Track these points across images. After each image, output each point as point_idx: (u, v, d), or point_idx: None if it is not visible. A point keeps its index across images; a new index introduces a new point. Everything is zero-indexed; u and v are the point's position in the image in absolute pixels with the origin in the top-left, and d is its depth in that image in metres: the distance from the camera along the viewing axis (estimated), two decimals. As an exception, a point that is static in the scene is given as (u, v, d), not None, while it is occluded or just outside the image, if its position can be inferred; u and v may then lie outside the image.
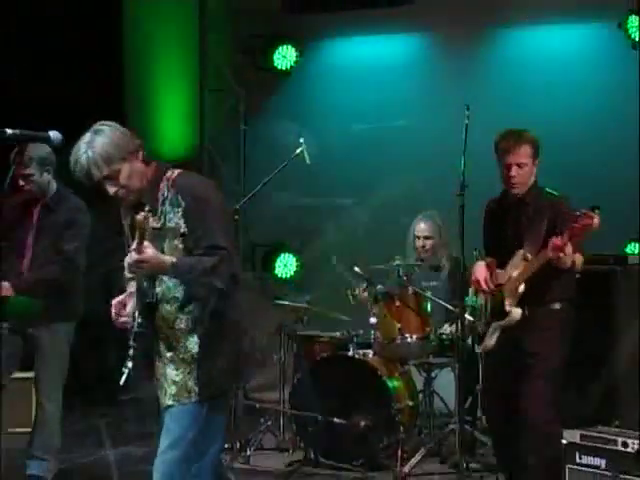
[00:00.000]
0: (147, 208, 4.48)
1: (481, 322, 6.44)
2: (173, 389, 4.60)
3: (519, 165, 6.11)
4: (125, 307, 4.59)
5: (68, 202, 6.79)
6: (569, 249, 5.77)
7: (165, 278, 4.55)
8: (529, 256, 6.07)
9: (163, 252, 4.53)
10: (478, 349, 6.60)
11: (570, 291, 6.16)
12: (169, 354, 4.61)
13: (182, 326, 4.58)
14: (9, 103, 8.75)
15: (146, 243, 4.40)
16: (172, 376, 4.61)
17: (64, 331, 6.78)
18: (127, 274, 4.57)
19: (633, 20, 8.39)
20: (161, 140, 10.06)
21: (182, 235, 4.52)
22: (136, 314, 4.55)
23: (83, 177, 4.41)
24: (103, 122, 4.54)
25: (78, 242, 6.70)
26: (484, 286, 6.26)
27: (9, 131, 4.26)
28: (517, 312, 6.09)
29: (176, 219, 4.52)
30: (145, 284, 4.57)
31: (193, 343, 4.57)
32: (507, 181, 6.19)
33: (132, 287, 4.61)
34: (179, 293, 4.56)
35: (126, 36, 10.11)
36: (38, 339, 6.77)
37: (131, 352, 4.56)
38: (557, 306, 6.16)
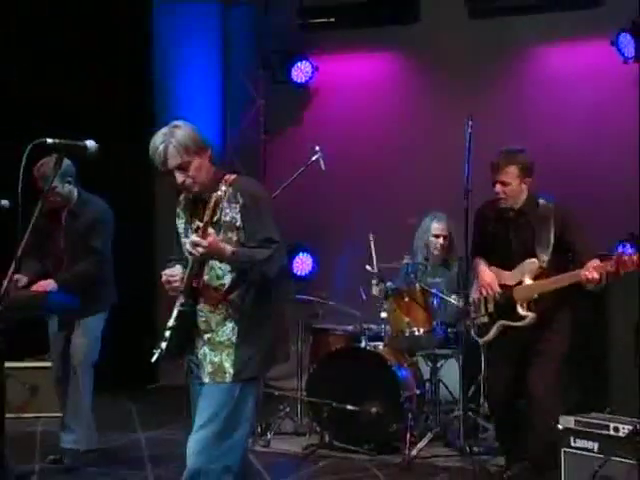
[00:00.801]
0: (212, 198, 4.55)
1: (481, 314, 6.46)
2: (209, 368, 4.63)
3: (503, 183, 6.15)
4: (175, 276, 4.61)
5: (90, 205, 6.93)
6: (595, 276, 5.83)
7: (216, 264, 4.60)
8: (544, 265, 6.11)
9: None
10: (477, 339, 6.62)
11: (576, 292, 6.16)
12: (207, 335, 4.64)
13: (223, 312, 4.62)
14: (52, 110, 8.86)
15: (210, 229, 4.47)
16: (210, 356, 4.64)
17: (97, 320, 6.90)
18: (187, 253, 4.59)
19: (624, 38, 8.38)
20: None
21: (237, 229, 4.59)
22: (181, 295, 4.59)
23: (160, 164, 4.53)
24: (176, 122, 4.66)
25: (104, 238, 6.83)
26: (495, 289, 6.29)
27: (49, 140, 4.31)
28: (532, 317, 6.12)
29: (233, 214, 4.60)
30: (195, 268, 4.59)
31: (230, 328, 4.61)
32: (495, 196, 6.25)
33: (177, 270, 4.66)
34: (227, 280, 4.60)
35: (157, 51, 10.10)
36: (74, 327, 6.88)
37: (167, 334, 4.58)
38: (566, 306, 6.21)
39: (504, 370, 6.45)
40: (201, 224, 4.49)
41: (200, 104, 10.29)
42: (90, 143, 4.46)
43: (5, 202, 6.17)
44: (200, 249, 4.43)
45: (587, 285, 5.91)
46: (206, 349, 4.66)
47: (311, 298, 8.50)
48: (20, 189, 4.36)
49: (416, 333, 7.74)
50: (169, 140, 4.51)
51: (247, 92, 10.07)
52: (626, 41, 8.38)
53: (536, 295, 6.10)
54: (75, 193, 6.90)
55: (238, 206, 4.61)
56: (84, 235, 6.83)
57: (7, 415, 4.36)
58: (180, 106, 10.29)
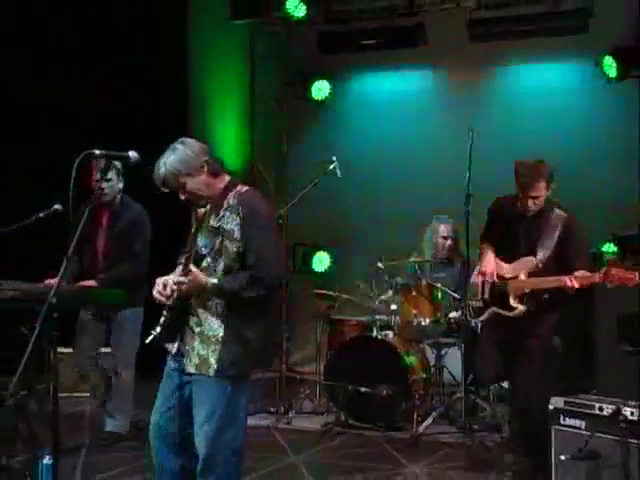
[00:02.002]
0: (209, 207, 4.57)
1: (476, 299, 6.43)
2: (196, 360, 4.53)
3: (535, 198, 6.01)
4: (165, 287, 4.50)
5: (131, 209, 6.91)
6: (575, 284, 5.79)
7: (210, 261, 4.54)
8: (541, 265, 6.09)
9: (213, 249, 4.54)
10: (471, 320, 6.64)
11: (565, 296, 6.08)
12: (198, 329, 4.54)
13: (213, 309, 4.52)
14: (97, 119, 8.72)
15: (193, 267, 4.45)
16: (199, 349, 4.53)
17: (135, 314, 6.87)
18: (166, 290, 4.51)
19: (608, 59, 8.37)
20: (220, 156, 10.10)
21: (236, 240, 4.50)
22: (175, 293, 4.50)
23: (161, 186, 4.48)
24: (183, 139, 4.60)
25: (143, 241, 6.83)
26: (492, 277, 6.25)
27: (97, 152, 4.29)
28: (522, 309, 6.09)
29: (232, 225, 4.50)
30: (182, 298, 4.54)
31: (218, 325, 4.51)
32: (523, 206, 6.08)
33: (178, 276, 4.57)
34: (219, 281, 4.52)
35: (192, 69, 10.05)
36: (115, 321, 6.91)
37: (162, 320, 4.52)
38: (554, 309, 6.17)
39: (491, 361, 6.46)
40: (183, 262, 4.49)
41: (231, 118, 10.32)
42: (132, 154, 4.45)
43: (58, 206, 6.10)
44: (184, 287, 4.42)
45: (567, 290, 5.88)
46: (195, 342, 4.56)
47: (329, 293, 8.52)
48: (71, 194, 4.26)
49: (422, 323, 7.77)
50: (163, 167, 4.46)
51: (271, 108, 10.06)
52: (609, 63, 8.36)
53: (527, 290, 6.08)
54: (119, 196, 6.91)
55: (238, 219, 4.51)
56: (125, 236, 6.84)
57: (60, 394, 4.38)
58: (213, 119, 10.32)
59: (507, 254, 6.28)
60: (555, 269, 6.00)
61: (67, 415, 6.56)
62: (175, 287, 4.45)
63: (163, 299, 4.52)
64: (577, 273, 5.82)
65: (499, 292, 6.22)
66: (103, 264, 6.89)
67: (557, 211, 6.15)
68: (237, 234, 4.50)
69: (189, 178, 4.52)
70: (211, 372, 4.47)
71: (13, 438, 6.31)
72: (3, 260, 6.19)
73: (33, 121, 8.93)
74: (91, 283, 6.71)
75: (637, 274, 5.64)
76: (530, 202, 6.04)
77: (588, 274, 5.78)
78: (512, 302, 6.11)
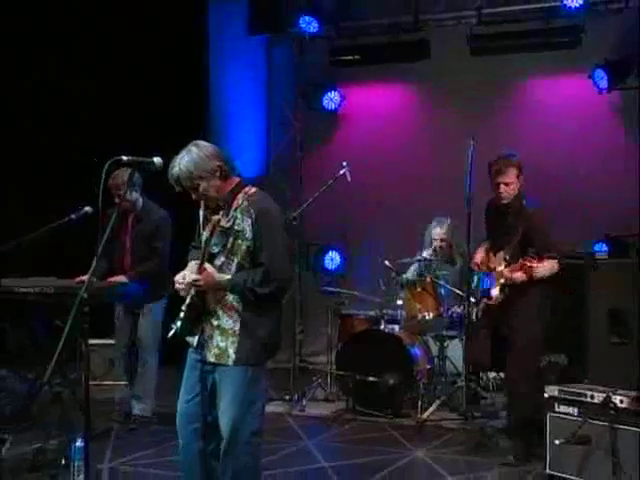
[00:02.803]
0: (222, 213, 4.53)
1: (476, 295, 6.52)
2: (216, 350, 4.55)
3: (506, 184, 6.17)
4: (183, 281, 4.53)
5: (153, 212, 6.98)
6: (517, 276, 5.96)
7: (223, 260, 4.53)
8: (507, 258, 6.15)
9: (225, 247, 4.53)
10: (474, 316, 6.64)
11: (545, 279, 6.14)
12: (216, 322, 4.56)
13: (228, 304, 4.53)
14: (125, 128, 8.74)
15: (207, 266, 4.45)
16: (217, 341, 4.55)
17: (159, 307, 6.94)
18: (185, 281, 4.52)
19: (599, 72, 8.36)
20: (238, 162, 10.10)
21: (247, 239, 4.49)
22: (192, 289, 4.51)
23: (174, 185, 4.47)
24: (196, 141, 4.57)
25: (165, 241, 6.87)
26: (477, 267, 6.41)
27: (124, 157, 4.34)
28: (497, 296, 6.18)
29: (244, 225, 4.49)
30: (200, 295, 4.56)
31: (234, 320, 4.53)
32: (497, 195, 6.26)
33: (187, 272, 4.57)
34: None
35: (212, 82, 10.10)
36: (141, 314, 6.98)
37: (181, 315, 4.53)
38: (533, 289, 6.17)
39: (484, 341, 6.53)
40: (198, 262, 4.46)
41: (248, 127, 10.32)
42: (157, 159, 4.46)
43: (88, 208, 6.14)
44: (199, 283, 4.43)
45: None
46: (214, 333, 4.57)
47: (339, 290, 8.56)
48: (100, 198, 4.37)
49: (426, 317, 7.76)
50: (177, 167, 4.44)
51: (286, 117, 10.07)
52: (600, 75, 8.36)
53: (502, 281, 6.13)
54: (140, 201, 6.97)
55: (250, 220, 4.49)
56: (149, 237, 6.89)
57: (90, 382, 4.42)
58: (231, 127, 10.32)
59: (495, 247, 6.38)
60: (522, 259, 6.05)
61: (97, 401, 6.59)
62: (192, 281, 4.46)
63: (182, 291, 4.55)
64: (514, 266, 5.94)
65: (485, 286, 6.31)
66: (130, 262, 6.94)
67: (524, 206, 6.23)
68: (249, 233, 4.49)
69: (201, 181, 4.50)
70: (230, 362, 4.51)
71: (48, 423, 6.37)
72: (38, 258, 6.22)
73: (66, 128, 9.03)
74: (120, 279, 6.76)
75: (553, 263, 5.84)
76: (502, 188, 6.18)
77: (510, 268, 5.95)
78: (492, 291, 6.18)
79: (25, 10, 8.86)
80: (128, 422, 7.02)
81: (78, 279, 6.12)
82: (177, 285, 4.57)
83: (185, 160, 4.46)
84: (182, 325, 4.56)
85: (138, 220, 6.97)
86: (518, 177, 6.22)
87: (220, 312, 4.57)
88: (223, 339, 4.54)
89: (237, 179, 4.65)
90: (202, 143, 4.61)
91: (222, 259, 4.58)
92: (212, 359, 4.57)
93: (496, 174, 6.19)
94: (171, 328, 4.54)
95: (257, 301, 4.50)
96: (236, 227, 4.52)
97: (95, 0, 9.04)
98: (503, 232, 6.31)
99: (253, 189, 4.65)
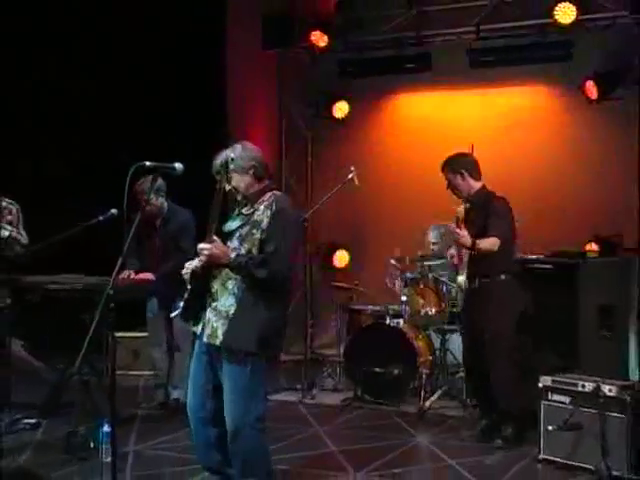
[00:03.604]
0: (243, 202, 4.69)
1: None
2: (209, 330, 4.59)
3: (447, 182, 6.38)
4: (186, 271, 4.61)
5: (178, 214, 7.02)
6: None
7: (236, 247, 4.60)
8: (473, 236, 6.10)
9: (240, 234, 4.61)
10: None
11: (510, 265, 6.18)
12: (214, 304, 4.60)
13: (229, 287, 4.56)
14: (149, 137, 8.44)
15: (215, 237, 4.50)
16: (212, 321, 4.59)
17: None
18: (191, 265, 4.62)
19: (591, 84, 8.33)
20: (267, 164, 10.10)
21: (261, 229, 4.55)
22: (197, 261, 4.56)
23: (215, 174, 4.65)
24: (243, 141, 4.81)
25: (190, 241, 6.78)
26: (455, 259, 6.48)
27: (147, 163, 4.34)
28: (460, 282, 6.25)
29: (263, 216, 4.57)
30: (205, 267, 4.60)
31: (231, 303, 4.55)
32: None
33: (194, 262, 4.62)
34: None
35: (230, 94, 9.97)
36: (173, 307, 6.93)
37: (185, 296, 4.62)
38: (501, 277, 6.19)
39: (465, 340, 6.59)
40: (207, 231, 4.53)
41: (263, 134, 10.33)
42: (178, 165, 4.46)
43: (114, 211, 6.16)
44: (205, 252, 4.47)
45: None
46: (211, 315, 4.61)
47: (347, 285, 8.56)
48: (125, 201, 4.34)
49: (429, 312, 7.79)
50: (219, 159, 4.64)
51: (298, 125, 10.09)
52: (590, 86, 8.34)
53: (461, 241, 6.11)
54: (166, 205, 7.01)
55: (269, 212, 4.56)
56: (174, 238, 6.92)
57: (116, 372, 4.44)
58: (248, 135, 10.24)
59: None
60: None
61: (123, 389, 6.60)
62: (200, 249, 4.51)
63: (186, 274, 4.62)
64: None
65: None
66: (159, 261, 6.97)
67: (484, 196, 6.30)
68: (264, 224, 4.55)
69: (235, 174, 4.64)
70: (217, 342, 4.53)
71: (78, 409, 6.44)
72: (69, 257, 6.24)
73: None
74: (147, 276, 6.82)
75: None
76: (447, 185, 6.41)
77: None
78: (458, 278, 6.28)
79: (25, 10, 8.42)
80: (164, 408, 7.07)
81: (120, 276, 6.22)
82: (184, 272, 4.64)
83: (226, 152, 4.66)
84: (184, 306, 4.63)
85: (165, 222, 7.02)
86: (454, 174, 6.33)
87: (220, 294, 4.59)
88: (216, 320, 4.57)
89: (267, 182, 4.76)
90: (247, 144, 4.80)
91: (235, 243, 4.63)
92: (205, 339, 4.61)
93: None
94: (175, 308, 4.67)
95: (254, 285, 4.51)
96: (255, 217, 4.60)
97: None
98: (474, 224, 6.28)
99: (280, 193, 4.76)
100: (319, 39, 9.32)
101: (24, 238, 5.89)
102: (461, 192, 6.37)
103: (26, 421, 6.75)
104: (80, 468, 5.52)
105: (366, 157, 9.32)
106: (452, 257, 6.50)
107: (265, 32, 9.42)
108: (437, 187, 6.67)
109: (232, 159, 4.65)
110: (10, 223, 5.85)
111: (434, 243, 8.07)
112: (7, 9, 7.97)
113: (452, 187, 6.39)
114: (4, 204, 5.92)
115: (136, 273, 6.84)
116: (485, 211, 6.19)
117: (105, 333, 4.46)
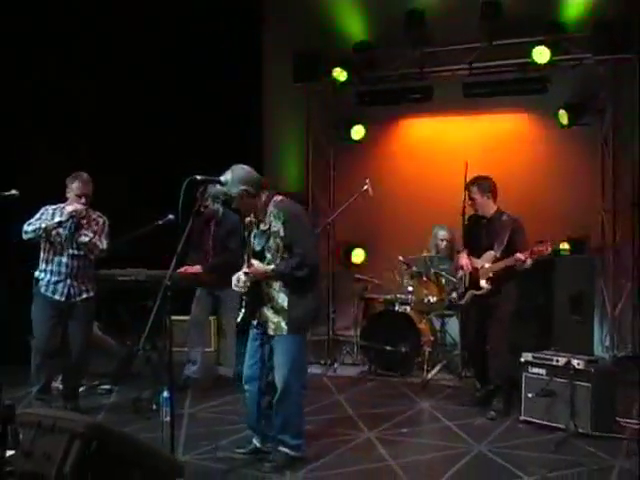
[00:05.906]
0: (252, 217, 4.70)
1: (461, 287, 6.51)
2: (272, 326, 4.68)
3: (472, 199, 6.29)
4: (239, 281, 4.69)
5: (229, 219, 6.98)
6: (528, 261, 5.92)
7: (268, 256, 4.64)
8: (497, 255, 6.17)
9: (270, 247, 4.61)
10: (458, 302, 6.67)
11: (517, 272, 6.15)
12: (270, 304, 4.68)
13: (276, 287, 4.64)
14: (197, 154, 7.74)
15: (253, 261, 4.56)
16: (272, 318, 4.67)
17: (233, 293, 6.73)
18: (240, 283, 4.66)
19: (563, 113, 8.35)
20: (285, 181, 10.06)
21: (282, 237, 4.60)
22: (247, 282, 4.65)
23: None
24: (233, 166, 4.65)
25: (236, 241, 6.82)
26: (467, 269, 6.35)
27: (198, 177, 4.39)
28: (488, 287, 6.19)
29: (278, 226, 4.60)
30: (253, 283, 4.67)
31: (282, 299, 4.64)
32: (471, 208, 6.38)
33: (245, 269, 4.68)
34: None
35: (265, 120, 10.06)
36: (220, 297, 7.02)
37: (243, 303, 4.71)
38: (510, 282, 6.21)
39: (472, 325, 6.52)
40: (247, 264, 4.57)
41: (293, 153, 10.36)
42: (223, 178, 4.57)
43: (172, 216, 6.23)
44: (251, 276, 4.57)
45: (517, 265, 5.98)
46: (269, 313, 4.68)
47: (363, 277, 8.57)
48: (180, 208, 4.35)
49: (431, 301, 7.81)
50: (214, 187, 4.73)
51: (322, 145, 10.09)
52: (562, 114, 8.34)
53: (491, 274, 6.15)
54: (221, 210, 7.01)
55: (280, 222, 4.58)
56: (225, 238, 6.94)
57: (173, 349, 4.48)
58: (280, 154, 10.34)
59: (476, 252, 6.36)
60: (506, 257, 6.08)
61: (178, 363, 6.71)
62: (244, 278, 4.59)
63: (240, 289, 4.69)
64: (522, 253, 5.93)
65: (473, 279, 6.31)
66: (209, 256, 7.01)
67: (505, 217, 6.24)
68: (282, 233, 4.58)
69: (232, 199, 4.66)
70: (284, 332, 4.62)
71: (142, 378, 6.57)
72: (131, 254, 6.25)
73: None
74: (195, 269, 6.80)
75: (548, 245, 5.78)
76: (470, 203, 6.29)
77: (525, 253, 5.91)
78: (482, 283, 6.22)
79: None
80: (208, 380, 7.06)
81: (182, 270, 6.41)
82: (234, 285, 4.70)
83: (223, 178, 4.60)
84: (245, 311, 4.71)
85: (218, 225, 7.03)
86: (482, 195, 6.26)
87: (272, 295, 4.67)
88: (276, 316, 4.65)
89: (267, 192, 4.69)
90: (236, 168, 4.64)
91: (268, 256, 4.69)
92: (271, 332, 4.67)
93: (466, 192, 6.35)
94: (238, 314, 4.72)
95: (296, 283, 4.59)
96: (272, 229, 4.62)
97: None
98: (487, 239, 6.30)
99: (279, 197, 4.72)
100: (340, 74, 9.38)
101: (103, 245, 5.97)
102: (480, 209, 6.34)
103: (102, 387, 6.92)
104: (145, 426, 5.58)
105: (378, 171, 9.29)
106: (464, 266, 6.41)
107: (295, 67, 9.45)
108: (437, 196, 6.69)
109: (226, 190, 4.63)
110: (95, 232, 5.95)
111: (442, 240, 8.04)
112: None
113: (473, 203, 6.34)
114: (94, 216, 6.04)
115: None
116: (507, 228, 6.17)
117: (164, 317, 4.64)
